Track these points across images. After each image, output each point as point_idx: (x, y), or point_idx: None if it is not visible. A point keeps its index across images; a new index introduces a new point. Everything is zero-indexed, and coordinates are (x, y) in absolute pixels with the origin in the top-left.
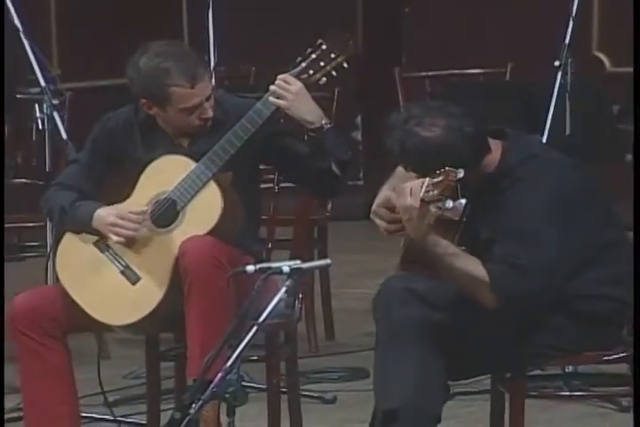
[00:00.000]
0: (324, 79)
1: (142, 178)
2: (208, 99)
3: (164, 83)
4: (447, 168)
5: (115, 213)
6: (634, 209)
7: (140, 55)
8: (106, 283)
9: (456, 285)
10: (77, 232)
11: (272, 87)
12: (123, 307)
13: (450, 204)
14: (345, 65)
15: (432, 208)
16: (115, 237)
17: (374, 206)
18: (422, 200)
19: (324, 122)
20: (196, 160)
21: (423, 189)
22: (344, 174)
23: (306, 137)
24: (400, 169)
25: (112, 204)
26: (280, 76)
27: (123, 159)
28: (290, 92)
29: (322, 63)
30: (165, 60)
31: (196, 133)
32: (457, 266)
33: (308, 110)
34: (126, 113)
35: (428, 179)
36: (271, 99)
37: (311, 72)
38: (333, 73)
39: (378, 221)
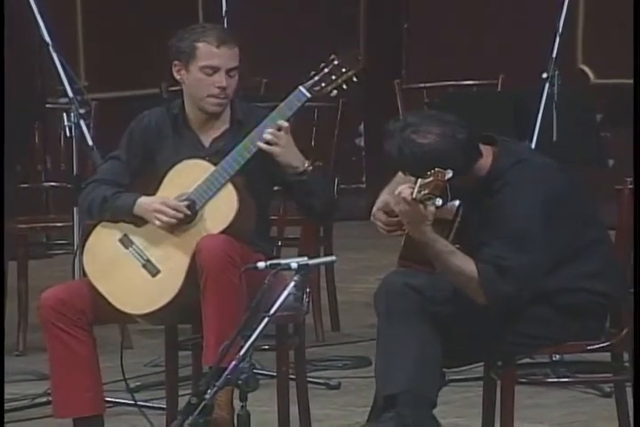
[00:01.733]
0: (335, 91)
1: (165, 181)
2: (229, 72)
3: (194, 39)
4: (436, 169)
5: (160, 201)
6: (634, 211)
7: None
8: (128, 275)
9: (450, 280)
10: (115, 221)
11: (266, 135)
12: (143, 297)
13: (439, 202)
14: (354, 79)
15: (428, 206)
16: (158, 222)
17: (374, 210)
18: (414, 199)
19: (306, 165)
20: (217, 159)
21: (416, 190)
22: (328, 209)
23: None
24: (400, 175)
25: None
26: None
27: (153, 156)
28: (282, 139)
29: (333, 77)
30: (203, 26)
31: (215, 110)
32: (452, 263)
33: (295, 156)
34: (159, 112)
35: (419, 180)
36: (262, 145)
37: (323, 84)
38: (344, 86)
39: (378, 223)
